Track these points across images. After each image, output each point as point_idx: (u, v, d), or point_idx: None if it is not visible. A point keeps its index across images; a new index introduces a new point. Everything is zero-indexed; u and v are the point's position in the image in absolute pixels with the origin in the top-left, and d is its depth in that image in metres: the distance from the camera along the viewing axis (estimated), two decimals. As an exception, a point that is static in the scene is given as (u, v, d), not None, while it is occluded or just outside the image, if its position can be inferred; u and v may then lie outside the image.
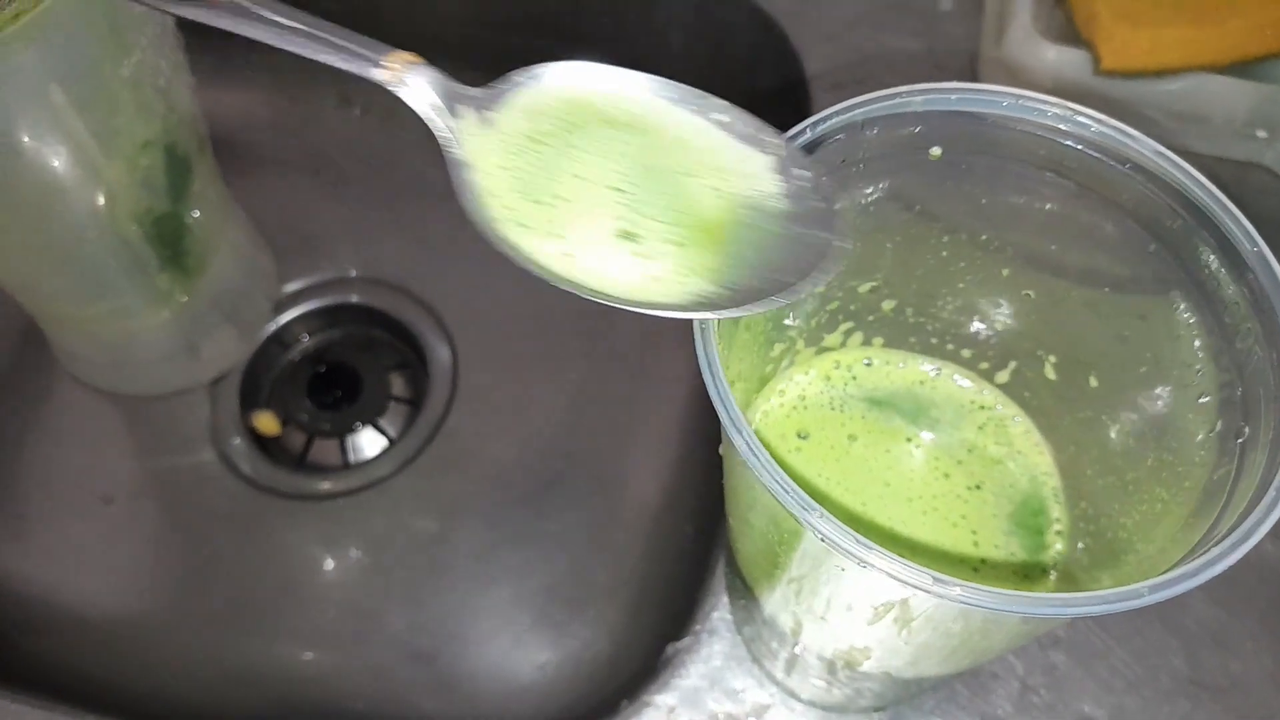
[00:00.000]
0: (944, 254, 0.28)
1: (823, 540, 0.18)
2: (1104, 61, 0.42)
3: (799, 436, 0.31)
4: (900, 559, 0.18)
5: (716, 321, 0.22)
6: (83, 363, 0.54)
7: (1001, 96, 0.24)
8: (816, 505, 0.18)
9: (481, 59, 0.61)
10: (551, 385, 0.57)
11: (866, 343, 0.31)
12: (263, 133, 0.65)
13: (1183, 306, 0.23)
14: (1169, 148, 0.23)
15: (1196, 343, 0.23)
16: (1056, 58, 0.43)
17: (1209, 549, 0.19)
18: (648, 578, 0.51)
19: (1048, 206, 0.25)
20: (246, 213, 0.55)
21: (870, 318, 0.30)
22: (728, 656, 0.36)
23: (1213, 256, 0.22)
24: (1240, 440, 0.21)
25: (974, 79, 0.47)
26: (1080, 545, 0.28)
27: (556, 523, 0.53)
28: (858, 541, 0.18)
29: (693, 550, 0.48)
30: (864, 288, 0.29)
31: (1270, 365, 0.21)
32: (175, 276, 0.50)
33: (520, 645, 0.50)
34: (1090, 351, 0.27)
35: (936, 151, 0.25)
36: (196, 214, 0.48)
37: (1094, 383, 0.27)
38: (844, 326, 0.30)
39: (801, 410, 0.31)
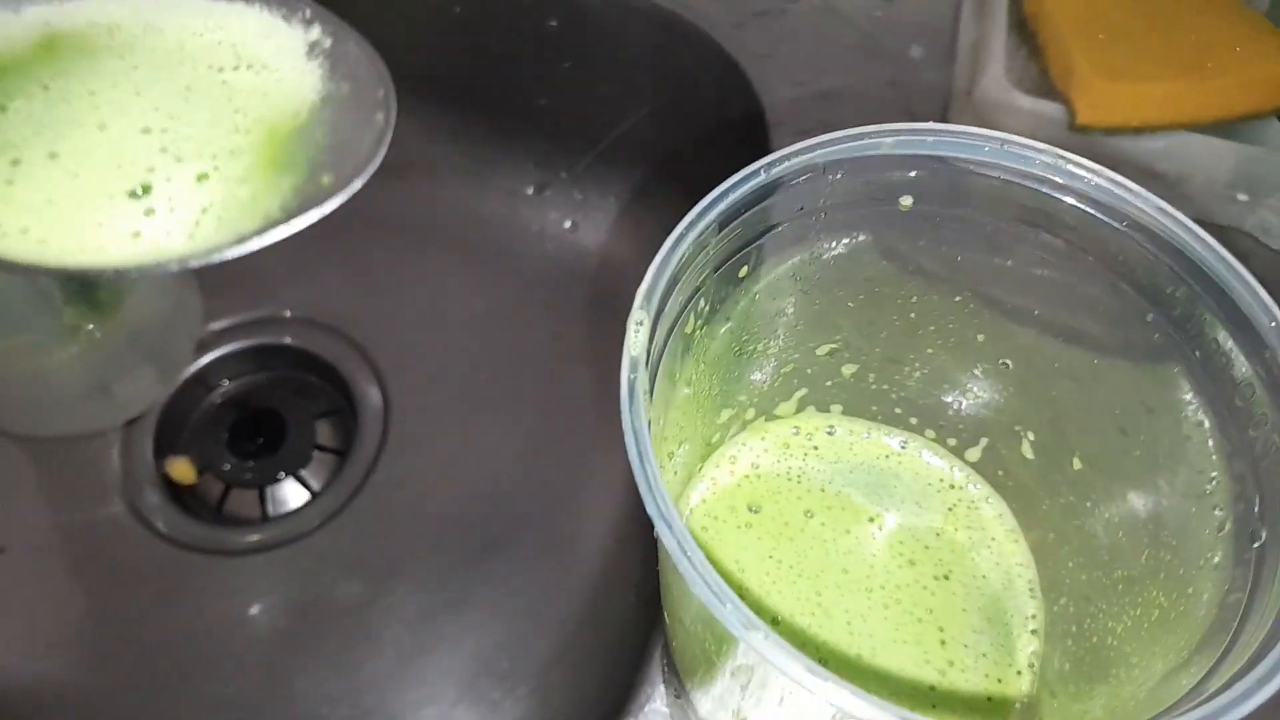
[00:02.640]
0: (912, 315, 0.25)
1: (767, 663, 0.15)
2: (1080, 116, 0.40)
3: (750, 510, 0.27)
4: (860, 693, 0.15)
5: (646, 384, 0.19)
6: (-14, 403, 0.50)
7: (984, 141, 0.21)
8: (759, 623, 0.15)
9: (448, 95, 0.58)
10: (491, 437, 0.53)
11: (823, 410, 0.28)
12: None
13: (1185, 385, 0.20)
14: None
15: (1204, 424, 0.20)
16: (1031, 109, 0.40)
17: (1225, 685, 0.16)
18: (587, 651, 0.47)
19: (1032, 267, 0.22)
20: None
21: (828, 383, 0.27)
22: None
23: (1222, 330, 0.19)
24: (1257, 545, 0.18)
25: (945, 129, 0.45)
26: (1059, 649, 0.25)
27: (492, 588, 0.49)
28: (807, 670, 0.15)
29: (634, 622, 0.44)
30: (822, 350, 0.26)
31: (1289, 458, 0.18)
32: (84, 311, 0.46)
33: (446, 721, 0.46)
34: (1074, 430, 0.24)
35: (907, 201, 0.22)
36: (109, 244, 0.45)
37: (1078, 465, 0.24)
38: (799, 394, 0.27)
39: (754, 480, 0.28)
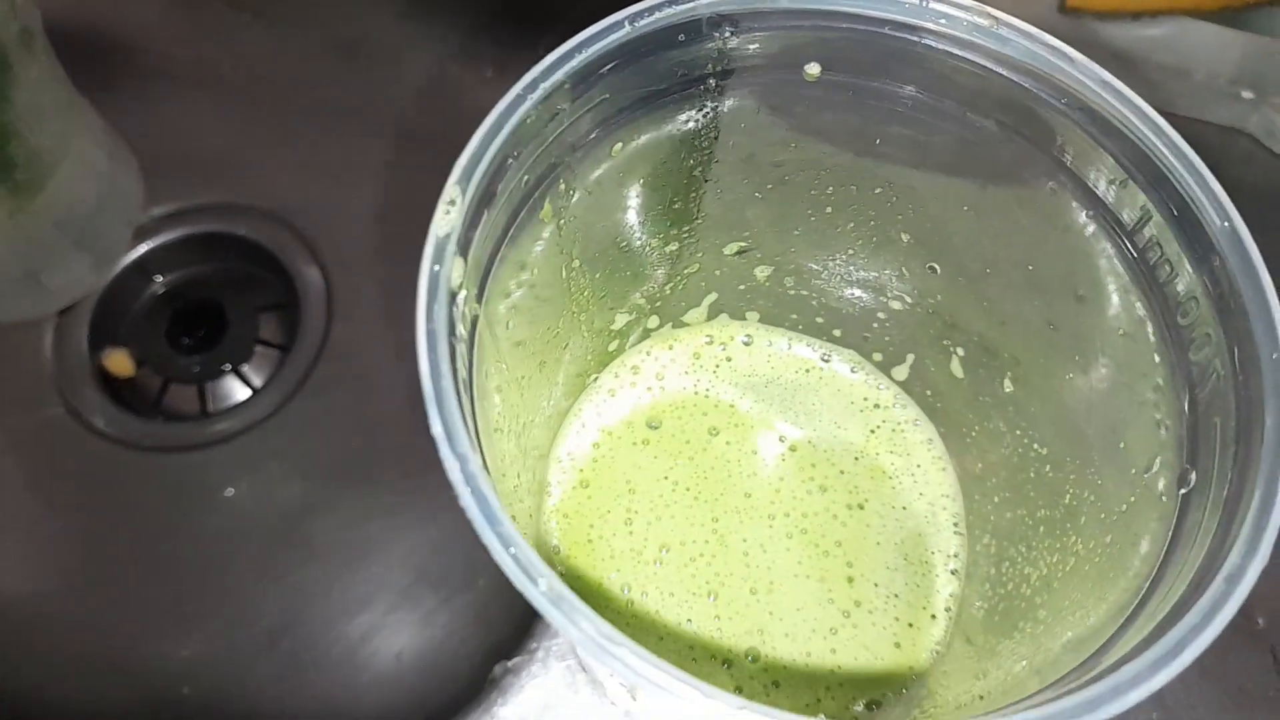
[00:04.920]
0: (828, 210, 0.21)
1: (553, 627, 0.12)
2: (1072, -3, 0.36)
3: (649, 426, 0.25)
4: (668, 670, 0.12)
5: (472, 278, 0.15)
6: (-95, 283, 0.47)
7: (903, -4, 0.17)
8: (545, 570, 0.12)
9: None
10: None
11: (738, 318, 0.25)
12: (140, 36, 0.57)
13: (1126, 297, 0.17)
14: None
15: (1152, 342, 0.17)
16: (1018, -11, 0.36)
17: (1125, 654, 0.13)
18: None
19: (959, 152, 0.19)
20: (114, 125, 0.48)
21: (741, 287, 0.24)
22: (569, 684, 0.30)
23: (1168, 231, 0.16)
24: (1184, 491, 0.15)
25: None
26: (977, 593, 0.22)
27: (429, 495, 0.46)
28: (600, 635, 0.12)
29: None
30: (730, 249, 0.23)
31: (1232, 389, 0.15)
32: (1, 192, 0.43)
33: (378, 630, 0.44)
34: (1007, 344, 0.21)
35: (814, 70, 0.18)
36: (26, 121, 0.42)
37: (1009, 387, 0.21)
38: (709, 299, 0.24)
39: (657, 393, 0.25)
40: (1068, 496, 0.19)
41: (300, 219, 0.54)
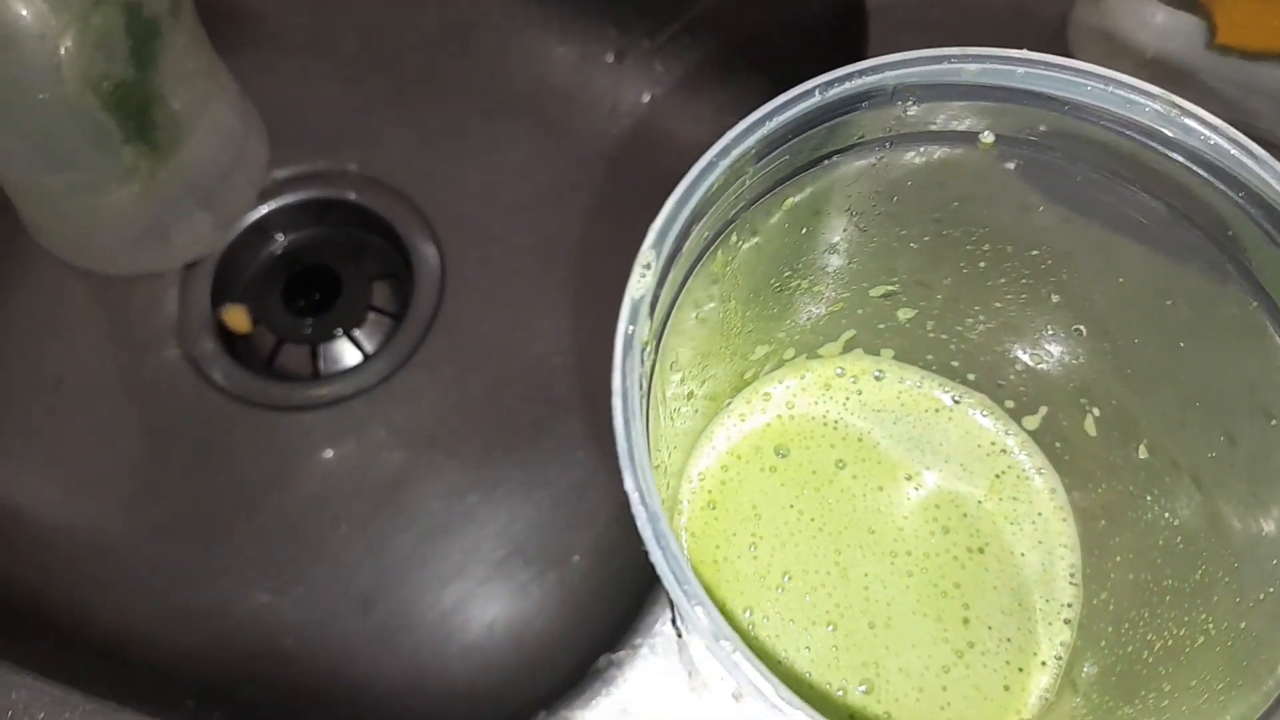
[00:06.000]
0: (981, 265, 0.22)
1: (706, 649, 0.13)
2: (1220, 34, 0.35)
3: (777, 453, 0.25)
4: (809, 712, 0.13)
5: (653, 332, 0.16)
6: (49, 234, 0.50)
7: (1087, 79, 0.18)
8: (730, 634, 0.13)
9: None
10: (544, 319, 0.51)
11: (872, 353, 0.26)
12: (274, 6, 0.59)
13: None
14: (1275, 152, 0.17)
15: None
16: (1165, 22, 0.36)
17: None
18: (617, 548, 0.46)
19: (1123, 229, 0.19)
20: (245, 91, 0.50)
21: (881, 326, 0.24)
22: (674, 683, 0.31)
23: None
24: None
25: (1063, 43, 0.40)
26: (1091, 648, 0.22)
27: (528, 472, 0.48)
28: (778, 695, 0.13)
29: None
30: (876, 292, 0.23)
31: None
32: (143, 151, 0.45)
33: (470, 601, 0.46)
34: (1146, 414, 0.21)
35: (988, 139, 0.19)
36: (170, 86, 0.43)
37: (1143, 454, 0.22)
38: (846, 335, 0.25)
39: (787, 420, 0.26)
40: (1199, 573, 0.19)
41: (416, 192, 0.55)
